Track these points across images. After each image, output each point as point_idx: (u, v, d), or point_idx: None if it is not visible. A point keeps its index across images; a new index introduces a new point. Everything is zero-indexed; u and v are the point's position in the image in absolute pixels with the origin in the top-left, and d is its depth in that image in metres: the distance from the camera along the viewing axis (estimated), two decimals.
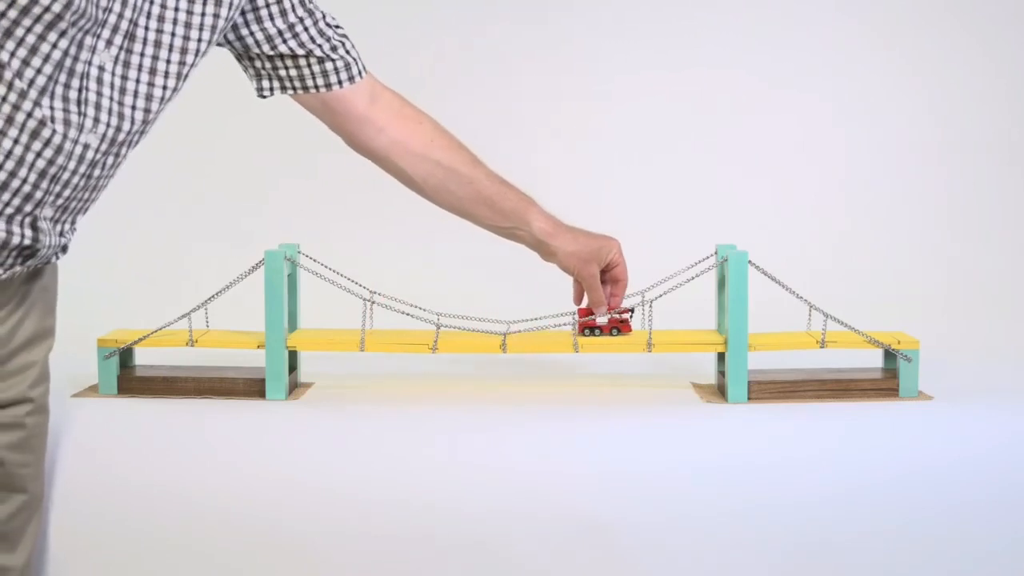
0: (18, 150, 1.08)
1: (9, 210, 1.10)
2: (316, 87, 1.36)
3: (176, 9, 1.19)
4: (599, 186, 2.23)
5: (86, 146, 1.13)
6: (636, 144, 2.28)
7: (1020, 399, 1.43)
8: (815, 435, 1.32)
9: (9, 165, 1.08)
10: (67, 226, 1.19)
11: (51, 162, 1.11)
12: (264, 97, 1.38)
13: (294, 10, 1.32)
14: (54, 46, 1.07)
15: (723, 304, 1.44)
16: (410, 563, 1.25)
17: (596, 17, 2.31)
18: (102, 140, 1.15)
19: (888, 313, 1.81)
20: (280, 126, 2.18)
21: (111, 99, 1.15)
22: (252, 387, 1.43)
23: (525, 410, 1.39)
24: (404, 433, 1.32)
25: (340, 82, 1.36)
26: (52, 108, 1.09)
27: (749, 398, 1.41)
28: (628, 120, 2.29)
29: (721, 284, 1.46)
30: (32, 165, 1.09)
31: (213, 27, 1.22)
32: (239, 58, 1.37)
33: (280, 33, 1.32)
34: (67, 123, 1.11)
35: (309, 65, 1.35)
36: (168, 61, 1.19)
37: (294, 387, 1.48)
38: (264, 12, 1.30)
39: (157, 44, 1.18)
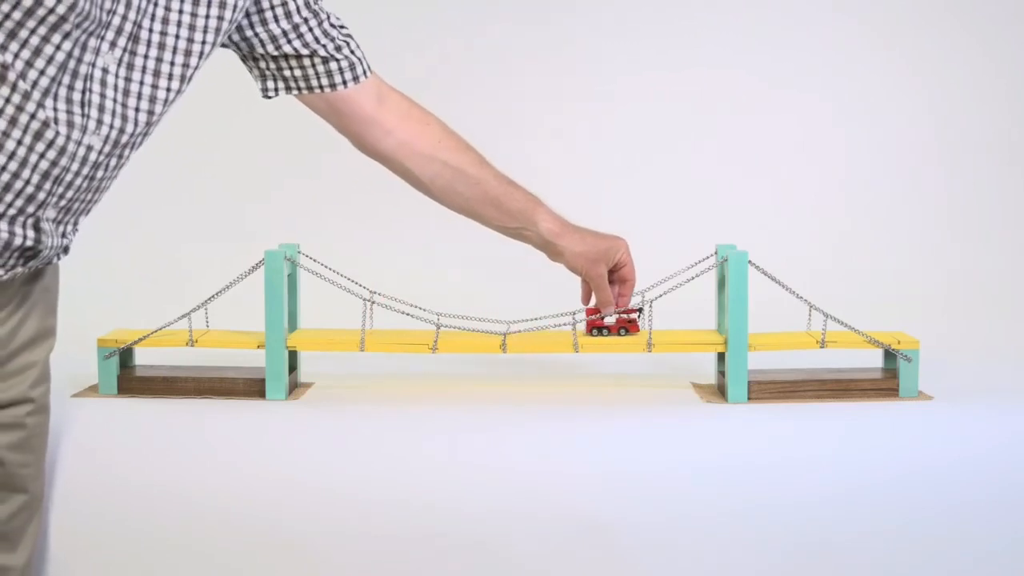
0: (21, 151, 1.08)
1: (12, 211, 1.10)
2: (321, 87, 1.36)
3: (180, 11, 1.19)
4: (599, 186, 2.23)
5: (89, 148, 1.13)
6: (637, 144, 2.28)
7: (1020, 399, 1.43)
8: (815, 435, 1.32)
9: (12, 166, 1.08)
10: (69, 227, 1.19)
11: (54, 163, 1.11)
12: (269, 98, 1.38)
13: (299, 11, 1.32)
14: (58, 48, 1.07)
15: (723, 304, 1.44)
16: (410, 563, 1.25)
17: (597, 18, 2.31)
18: (105, 142, 1.15)
19: (888, 313, 1.81)
20: (280, 126, 2.18)
21: (114, 101, 1.15)
22: (252, 387, 1.43)
23: (525, 410, 1.39)
24: (404, 433, 1.32)
25: (344, 82, 1.36)
26: (56, 110, 1.09)
27: (749, 398, 1.41)
28: (629, 120, 2.29)
29: (721, 284, 1.46)
30: (35, 166, 1.09)
31: (217, 29, 1.22)
32: (244, 59, 1.37)
33: (285, 33, 1.32)
34: (70, 125, 1.11)
35: (313, 65, 1.35)
36: (172, 63, 1.19)
37: (294, 387, 1.48)
38: (269, 14, 1.31)
39: (161, 46, 1.18)
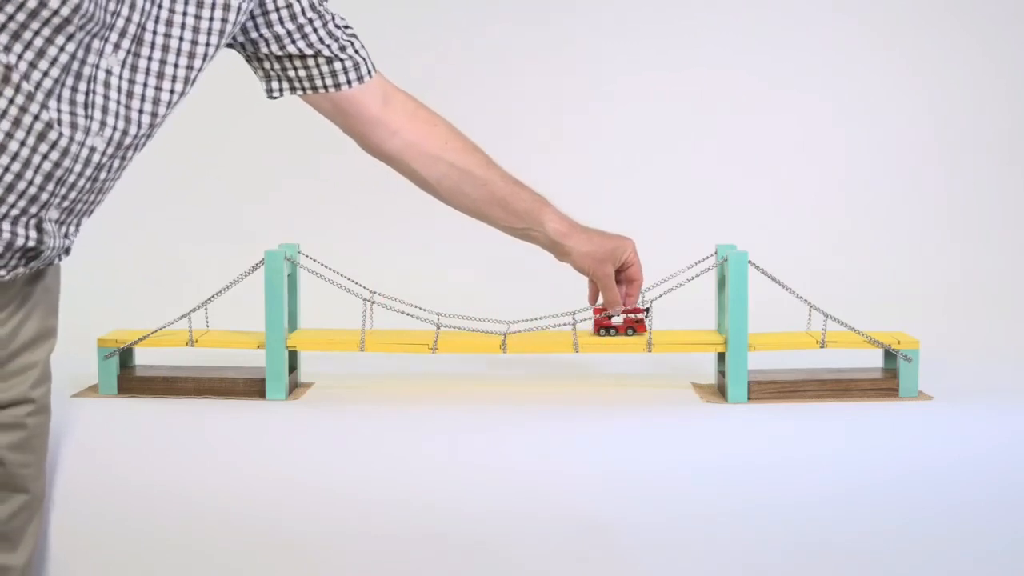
0: (24, 152, 1.08)
1: (14, 212, 1.10)
2: (325, 87, 1.36)
3: (184, 14, 1.19)
4: (600, 186, 2.23)
5: (92, 149, 1.13)
6: (637, 144, 2.28)
7: (1020, 399, 1.43)
8: (815, 435, 1.32)
9: (15, 167, 1.08)
10: (72, 228, 1.19)
11: (57, 164, 1.11)
12: (274, 98, 1.38)
13: (304, 13, 1.32)
14: (61, 49, 1.07)
15: (723, 304, 1.44)
16: (410, 563, 1.25)
17: (597, 18, 2.31)
18: (108, 143, 1.15)
19: (888, 313, 1.81)
20: (280, 127, 2.18)
21: (118, 103, 1.15)
22: (252, 387, 1.43)
23: (525, 410, 1.39)
24: (404, 433, 1.32)
25: (349, 82, 1.36)
26: (59, 111, 1.09)
27: (749, 398, 1.41)
28: (629, 120, 2.29)
29: (721, 284, 1.46)
30: (38, 167, 1.09)
31: (221, 31, 1.22)
32: (248, 59, 1.37)
33: (289, 34, 1.32)
34: (73, 126, 1.11)
35: (318, 65, 1.35)
36: (176, 65, 1.19)
37: (294, 387, 1.48)
38: (274, 16, 1.31)
39: (165, 48, 1.18)
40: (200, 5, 1.20)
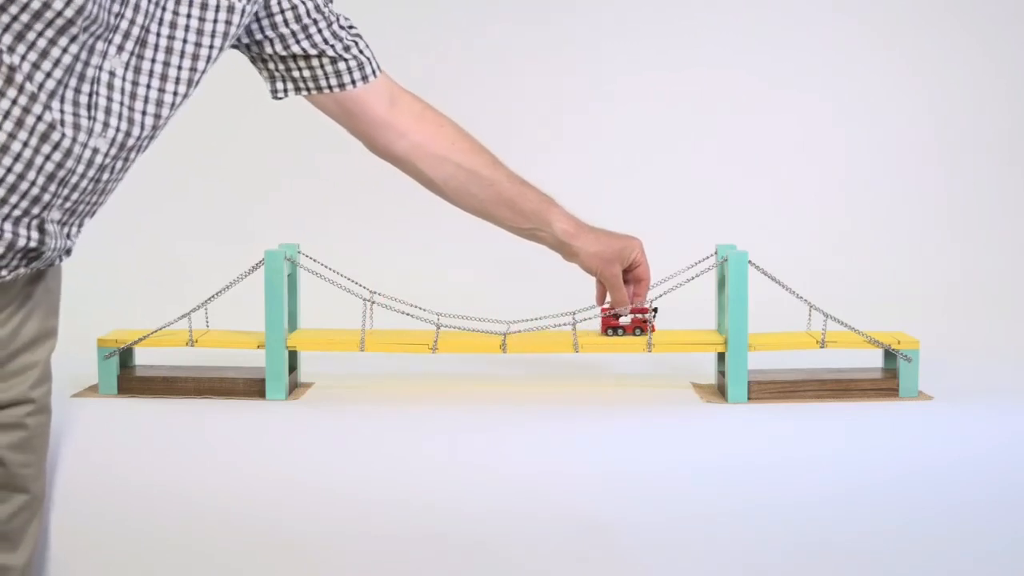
0: (27, 153, 1.08)
1: (17, 212, 1.10)
2: (330, 87, 1.36)
3: (188, 16, 1.19)
4: (600, 186, 2.23)
5: (95, 150, 1.13)
6: (637, 144, 2.28)
7: (1020, 399, 1.43)
8: (815, 435, 1.32)
9: (18, 168, 1.08)
10: (74, 229, 1.19)
11: (60, 165, 1.11)
12: (279, 99, 1.38)
13: (309, 14, 1.32)
14: (65, 50, 1.07)
15: (723, 304, 1.44)
16: (410, 563, 1.25)
17: (597, 18, 2.31)
18: (111, 145, 1.15)
19: (888, 313, 1.81)
20: (280, 127, 2.18)
21: (121, 104, 1.15)
22: (252, 387, 1.43)
23: (525, 410, 1.39)
24: (404, 433, 1.32)
25: (353, 81, 1.36)
26: (62, 112, 1.09)
27: (749, 398, 1.41)
28: (629, 120, 2.29)
29: (721, 284, 1.46)
30: (41, 168, 1.09)
31: (225, 34, 1.22)
32: (253, 60, 1.37)
33: (293, 34, 1.32)
34: (76, 127, 1.11)
35: (322, 66, 1.35)
36: (179, 67, 1.19)
37: (294, 387, 1.48)
38: (279, 18, 1.31)
39: (169, 50, 1.18)
40: (204, 7, 1.20)
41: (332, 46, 1.34)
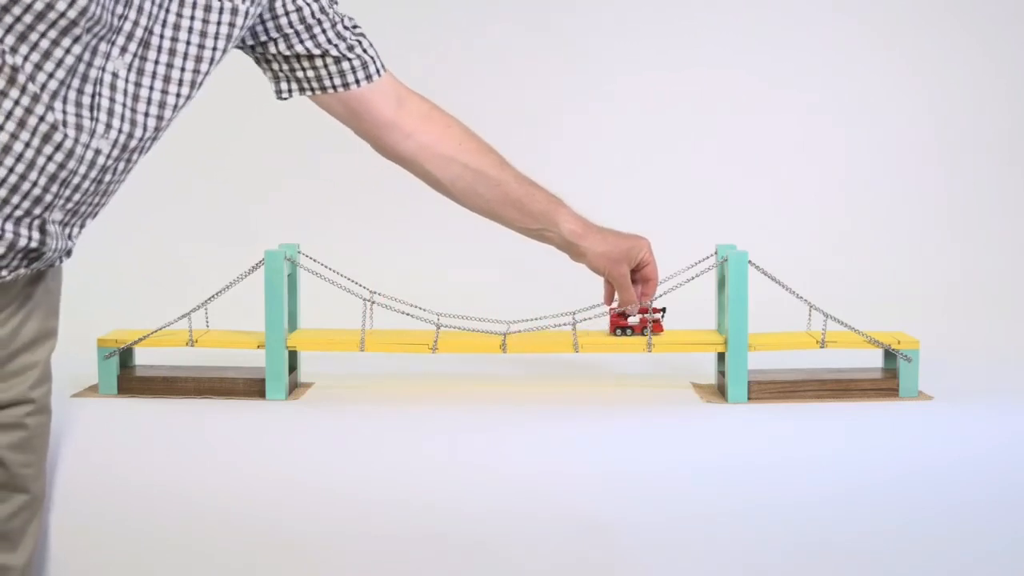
0: (29, 153, 1.08)
1: (18, 212, 1.10)
2: (334, 87, 1.36)
3: (192, 18, 1.19)
4: (600, 186, 2.23)
5: (97, 151, 1.13)
6: (637, 144, 2.28)
7: (1020, 399, 1.43)
8: (815, 435, 1.32)
9: (20, 168, 1.08)
10: (75, 230, 1.19)
11: (62, 166, 1.11)
12: (283, 99, 1.38)
13: (313, 15, 1.32)
14: (68, 51, 1.07)
15: (723, 304, 1.44)
16: (410, 563, 1.25)
17: (597, 18, 2.31)
18: (114, 146, 1.15)
19: (888, 313, 1.81)
20: (281, 127, 2.18)
21: (124, 105, 1.15)
22: (252, 387, 1.43)
23: (525, 410, 1.39)
24: (404, 433, 1.32)
25: (357, 81, 1.36)
26: (64, 112, 1.09)
27: (749, 398, 1.41)
28: (629, 120, 2.29)
29: (721, 284, 1.46)
30: (43, 169, 1.09)
31: (228, 36, 1.22)
32: (257, 61, 1.37)
33: (297, 34, 1.32)
34: (79, 128, 1.11)
35: (326, 65, 1.35)
36: (183, 69, 1.19)
37: (294, 387, 1.48)
38: (284, 20, 1.31)
39: (172, 52, 1.18)
40: (208, 9, 1.20)
41: (336, 46, 1.34)
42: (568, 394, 1.48)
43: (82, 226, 1.20)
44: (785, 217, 2.22)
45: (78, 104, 1.11)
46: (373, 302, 1.46)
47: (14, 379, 1.18)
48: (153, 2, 1.15)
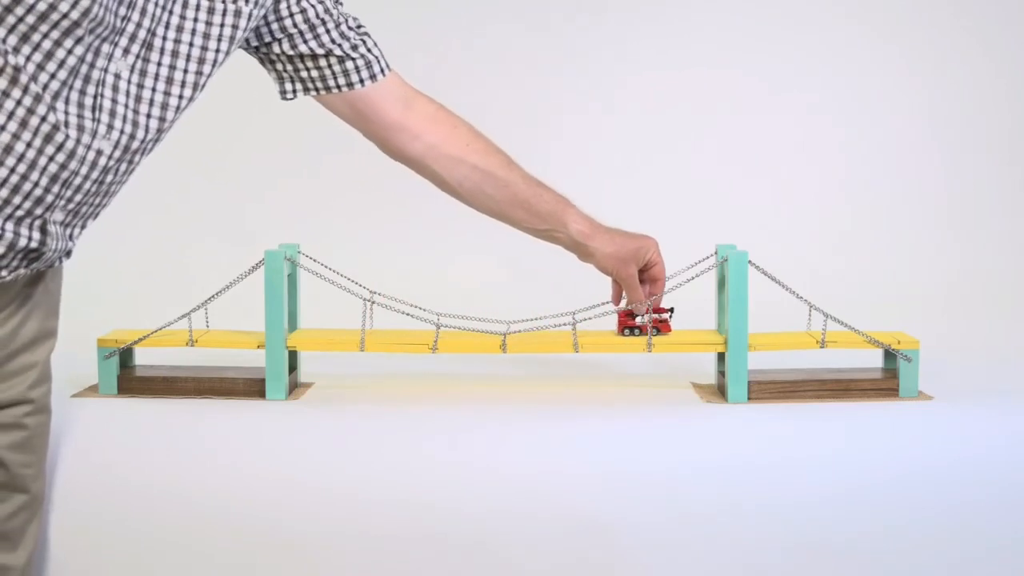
0: (31, 153, 1.08)
1: (19, 212, 1.10)
2: (338, 87, 1.36)
3: (195, 20, 1.19)
4: (600, 186, 2.23)
5: (99, 152, 1.13)
6: (637, 144, 2.28)
7: (1020, 399, 1.43)
8: (815, 435, 1.32)
9: (21, 168, 1.08)
10: (76, 230, 1.19)
11: (63, 167, 1.11)
12: (288, 99, 1.38)
13: (318, 16, 1.32)
14: (70, 52, 1.07)
15: (723, 304, 1.44)
16: (410, 563, 1.25)
17: (597, 18, 2.31)
18: (115, 147, 1.15)
19: (888, 313, 1.81)
20: (281, 127, 2.18)
21: (126, 107, 1.15)
22: (252, 387, 1.43)
23: (525, 410, 1.39)
24: (404, 433, 1.32)
25: (361, 80, 1.36)
26: (66, 113, 1.09)
27: (749, 398, 1.41)
28: (629, 120, 2.29)
29: (721, 284, 1.46)
30: (44, 169, 1.09)
31: (231, 38, 1.22)
32: (261, 61, 1.37)
33: (301, 34, 1.32)
34: (80, 128, 1.11)
35: (330, 65, 1.35)
36: (185, 71, 1.19)
37: (294, 387, 1.48)
38: (288, 21, 1.31)
39: (174, 54, 1.18)
40: (211, 12, 1.20)
41: (339, 45, 1.34)
42: (568, 394, 1.48)
43: (83, 227, 1.20)
44: (785, 217, 2.22)
45: (80, 105, 1.11)
46: (373, 302, 1.46)
47: (13, 379, 1.18)
48: (156, 4, 1.15)
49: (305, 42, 1.33)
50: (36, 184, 1.10)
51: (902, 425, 1.34)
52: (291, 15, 1.31)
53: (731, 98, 2.28)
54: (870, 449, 1.30)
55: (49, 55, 1.06)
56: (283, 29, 1.31)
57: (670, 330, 1.46)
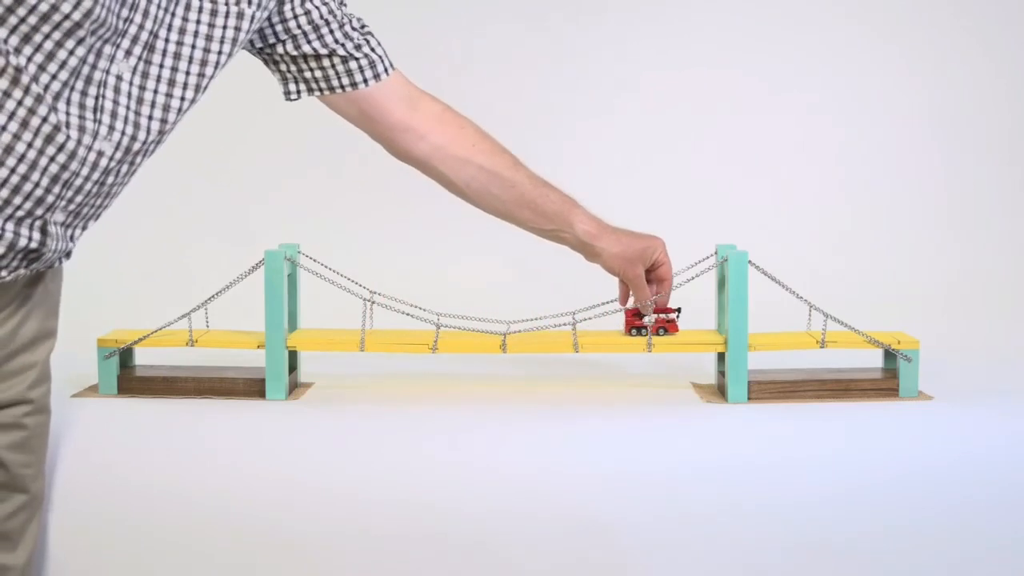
0: (32, 154, 1.08)
1: (20, 213, 1.10)
2: (342, 87, 1.36)
3: (197, 22, 1.19)
4: (600, 186, 2.22)
5: (100, 153, 1.13)
6: (637, 144, 2.28)
7: (1020, 399, 1.43)
8: (815, 435, 1.32)
9: (22, 168, 1.08)
10: (77, 231, 1.19)
11: (64, 167, 1.11)
12: (292, 100, 1.38)
13: (321, 16, 1.32)
14: (71, 53, 1.07)
15: (723, 304, 1.44)
16: (410, 563, 1.25)
17: (597, 18, 2.31)
18: (116, 148, 1.15)
19: (888, 313, 1.81)
20: (281, 127, 2.18)
21: (127, 108, 1.15)
22: (252, 387, 1.43)
23: (525, 410, 1.39)
24: (404, 433, 1.32)
25: (365, 80, 1.36)
26: (68, 114, 1.09)
27: (749, 398, 1.41)
28: (629, 120, 2.29)
29: (721, 284, 1.46)
30: (45, 170, 1.09)
31: (234, 40, 1.22)
32: (265, 62, 1.37)
33: (305, 35, 1.32)
34: (82, 129, 1.11)
35: (333, 65, 1.35)
36: (187, 73, 1.19)
37: (294, 387, 1.48)
38: (292, 23, 1.31)
39: (177, 56, 1.18)
40: (214, 14, 1.20)
41: (343, 45, 1.34)
42: (568, 394, 1.48)
43: (84, 227, 1.20)
44: (785, 217, 2.22)
45: (81, 106, 1.11)
46: (373, 302, 1.46)
47: (13, 379, 1.18)
48: (159, 6, 1.15)
49: (309, 43, 1.32)
50: (37, 185, 1.10)
51: (902, 425, 1.34)
52: (295, 17, 1.31)
53: (731, 98, 2.28)
54: (870, 449, 1.30)
55: (51, 56, 1.06)
56: (287, 30, 1.31)
57: (677, 330, 1.46)
